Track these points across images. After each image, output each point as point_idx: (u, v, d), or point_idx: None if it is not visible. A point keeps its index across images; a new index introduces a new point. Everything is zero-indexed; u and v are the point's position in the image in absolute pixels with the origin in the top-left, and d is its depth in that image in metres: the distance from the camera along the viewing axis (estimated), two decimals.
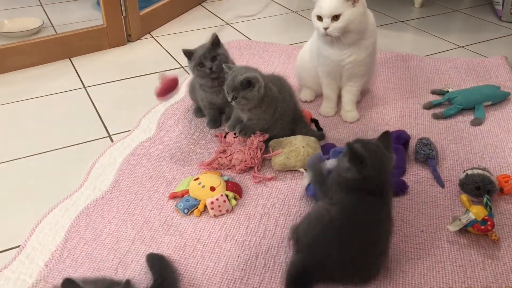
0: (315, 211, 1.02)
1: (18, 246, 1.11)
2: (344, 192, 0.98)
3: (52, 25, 2.40)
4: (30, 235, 1.14)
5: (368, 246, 0.95)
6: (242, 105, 1.30)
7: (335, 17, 1.36)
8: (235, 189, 1.23)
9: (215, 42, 1.42)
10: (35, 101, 1.77)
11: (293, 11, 2.69)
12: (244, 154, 1.32)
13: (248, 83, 1.26)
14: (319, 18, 1.39)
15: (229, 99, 1.31)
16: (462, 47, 2.16)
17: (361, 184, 0.96)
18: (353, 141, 0.99)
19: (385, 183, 0.98)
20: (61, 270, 1.04)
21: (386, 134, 1.01)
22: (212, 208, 1.17)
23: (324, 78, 1.57)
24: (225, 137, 1.42)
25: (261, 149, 1.34)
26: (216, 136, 1.47)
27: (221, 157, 1.35)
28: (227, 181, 1.26)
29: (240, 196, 1.24)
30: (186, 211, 1.18)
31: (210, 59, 1.41)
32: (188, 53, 1.43)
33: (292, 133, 1.39)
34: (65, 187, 1.30)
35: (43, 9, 2.65)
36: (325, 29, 1.38)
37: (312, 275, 0.97)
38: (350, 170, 0.95)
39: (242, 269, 1.04)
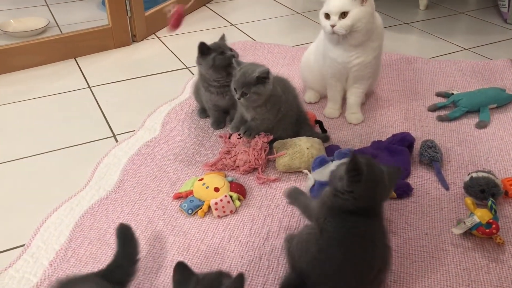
0: (305, 236, 0.95)
1: (23, 245, 1.12)
2: (331, 216, 0.91)
3: (58, 25, 2.41)
4: (35, 234, 1.14)
5: (364, 268, 0.89)
6: (252, 102, 1.29)
7: (343, 15, 1.36)
8: (239, 190, 1.23)
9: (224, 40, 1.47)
10: (40, 101, 1.77)
11: (298, 13, 2.69)
12: (249, 155, 1.32)
13: (263, 78, 1.26)
14: (327, 16, 1.39)
15: (237, 96, 1.29)
16: (467, 49, 2.16)
17: (348, 202, 0.88)
18: (360, 155, 0.91)
19: (377, 209, 0.92)
20: (66, 269, 1.05)
21: (398, 169, 0.95)
22: (216, 209, 1.18)
23: (329, 80, 1.56)
24: (229, 138, 1.43)
25: (265, 150, 1.34)
26: (220, 137, 1.48)
27: (225, 158, 1.36)
28: (231, 182, 1.26)
29: (244, 197, 1.24)
30: (190, 211, 1.18)
31: (230, 49, 1.45)
32: (206, 47, 1.43)
33: (296, 134, 1.39)
34: (70, 187, 1.30)
35: (49, 9, 2.66)
36: (332, 26, 1.38)
37: None
38: (342, 180, 0.88)
39: (246, 270, 1.04)
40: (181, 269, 0.79)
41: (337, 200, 0.89)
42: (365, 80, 1.54)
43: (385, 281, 0.99)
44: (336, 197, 0.89)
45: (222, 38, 1.49)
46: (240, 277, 0.76)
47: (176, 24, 1.48)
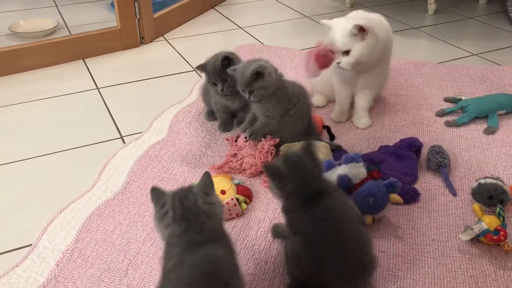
0: (290, 251, 0.97)
1: (30, 245, 1.12)
2: (296, 217, 0.95)
3: (67, 26, 2.43)
4: (42, 234, 1.15)
5: (348, 245, 0.90)
6: (261, 96, 1.31)
7: (346, 52, 1.36)
8: (245, 193, 1.23)
9: (224, 64, 1.40)
10: (49, 101, 1.78)
11: (306, 16, 2.69)
12: (255, 158, 1.32)
13: (257, 74, 1.27)
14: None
15: (247, 97, 1.32)
16: (476, 54, 2.15)
17: (292, 200, 0.95)
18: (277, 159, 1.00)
19: (323, 188, 0.96)
20: (72, 270, 1.05)
21: (308, 144, 0.98)
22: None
23: (338, 86, 1.56)
24: (236, 140, 1.43)
25: (271, 153, 1.34)
26: (227, 139, 1.48)
27: (231, 161, 1.36)
28: (237, 185, 1.26)
29: (251, 200, 1.24)
30: None
31: (221, 80, 1.43)
32: (202, 68, 1.45)
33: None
34: (77, 187, 1.31)
35: (58, 10, 2.68)
36: (338, 63, 1.38)
37: None
38: (275, 189, 0.96)
39: (252, 273, 1.04)
40: (156, 190, 0.87)
41: (289, 203, 0.96)
42: (374, 86, 1.54)
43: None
44: (289, 201, 0.96)
45: (222, 61, 1.40)
46: (207, 174, 0.89)
47: (324, 62, 1.38)
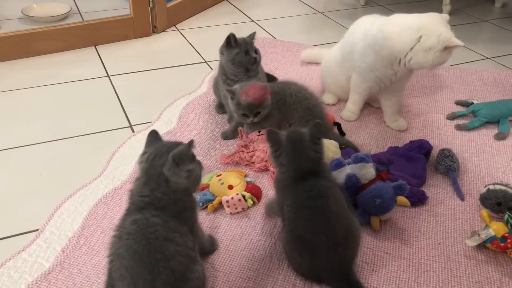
0: (285, 241, 1.03)
1: (37, 230, 1.13)
2: (288, 195, 1.01)
3: (80, 12, 2.42)
4: (49, 220, 1.15)
5: (336, 220, 0.96)
6: (261, 116, 1.38)
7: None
8: (254, 191, 1.22)
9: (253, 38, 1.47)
10: (59, 87, 1.79)
11: (319, 12, 2.67)
12: (266, 153, 1.32)
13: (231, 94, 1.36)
14: None
15: (251, 119, 1.37)
16: (490, 58, 2.13)
17: (285, 174, 1.02)
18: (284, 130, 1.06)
19: (317, 169, 1.02)
20: (77, 256, 1.05)
21: (316, 124, 1.03)
22: (228, 206, 1.18)
23: (361, 89, 1.53)
24: (247, 132, 1.42)
25: None
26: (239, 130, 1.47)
27: (242, 151, 1.36)
28: (248, 182, 1.25)
29: (259, 200, 1.23)
30: (200, 204, 1.19)
31: (254, 51, 1.45)
32: (234, 39, 1.44)
33: None
34: (85, 174, 1.31)
35: None
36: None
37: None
38: (271, 155, 1.04)
39: (256, 269, 1.04)
40: (154, 134, 0.96)
41: (282, 177, 1.03)
42: (404, 87, 1.53)
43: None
44: (281, 174, 1.03)
45: (252, 36, 1.48)
46: (191, 142, 0.90)
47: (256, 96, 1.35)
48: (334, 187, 1.02)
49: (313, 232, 0.95)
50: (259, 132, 1.38)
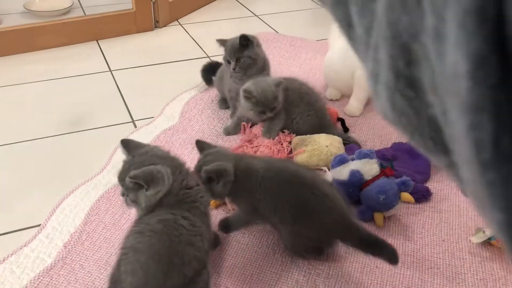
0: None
1: (39, 225, 1.12)
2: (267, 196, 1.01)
3: (81, 6, 2.41)
4: (51, 215, 1.15)
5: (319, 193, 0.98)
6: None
7: None
8: None
9: (242, 44, 1.42)
10: (61, 81, 1.78)
11: (323, 6, 2.65)
12: (270, 149, 1.31)
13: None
14: None
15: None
16: None
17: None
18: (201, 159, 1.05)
19: None
20: (79, 252, 1.05)
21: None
22: (230, 201, 1.17)
23: (365, 85, 1.50)
24: (251, 127, 1.42)
25: (287, 149, 1.33)
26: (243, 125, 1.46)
27: (246, 146, 1.35)
28: None
29: None
30: None
31: (235, 59, 1.43)
32: (222, 42, 1.47)
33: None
34: (87, 169, 1.31)
35: None
36: None
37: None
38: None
39: (259, 264, 1.03)
40: (127, 143, 0.95)
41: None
42: None
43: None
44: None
45: (241, 40, 1.42)
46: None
47: None
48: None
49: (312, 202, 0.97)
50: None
